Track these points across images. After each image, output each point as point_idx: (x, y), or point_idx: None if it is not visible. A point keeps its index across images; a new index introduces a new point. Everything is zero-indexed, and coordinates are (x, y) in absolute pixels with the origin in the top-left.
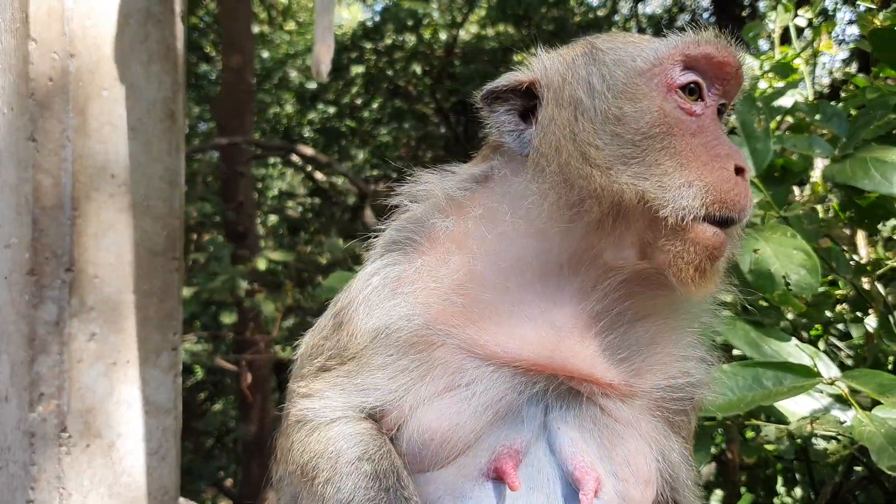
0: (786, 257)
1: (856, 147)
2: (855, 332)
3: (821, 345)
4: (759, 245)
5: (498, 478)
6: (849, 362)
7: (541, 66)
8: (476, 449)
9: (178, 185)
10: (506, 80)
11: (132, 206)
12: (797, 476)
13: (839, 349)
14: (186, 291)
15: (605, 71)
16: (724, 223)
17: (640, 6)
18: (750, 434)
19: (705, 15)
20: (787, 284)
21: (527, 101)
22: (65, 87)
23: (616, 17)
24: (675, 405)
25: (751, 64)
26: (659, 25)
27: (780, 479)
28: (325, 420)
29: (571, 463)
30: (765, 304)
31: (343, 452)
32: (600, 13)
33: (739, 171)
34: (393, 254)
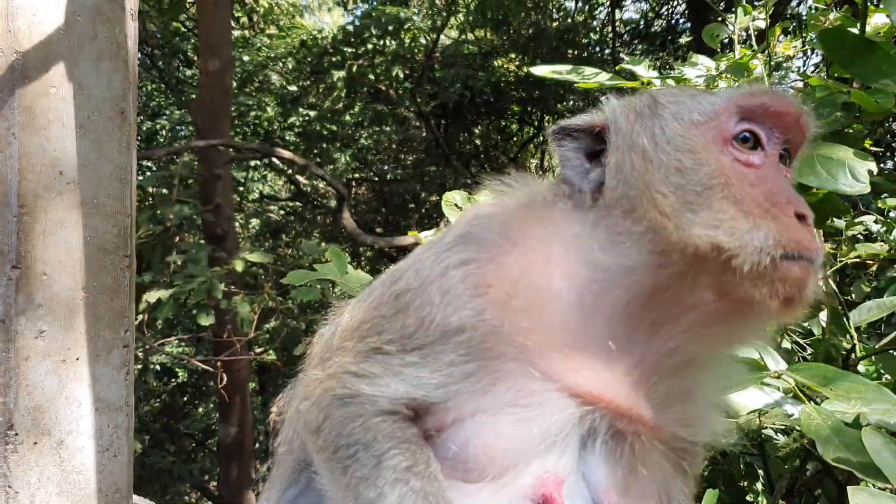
0: None
1: None
2: (816, 330)
3: (786, 343)
4: None
5: (543, 502)
6: (810, 359)
7: (611, 111)
8: (522, 470)
9: (128, 182)
10: (581, 120)
11: (82, 203)
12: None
13: (802, 347)
14: (164, 293)
15: (664, 124)
16: (797, 259)
17: (616, 12)
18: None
19: (681, 20)
20: None
21: (595, 142)
22: (11, 84)
23: (594, 23)
24: (688, 451)
25: (708, 63)
26: (636, 32)
27: (742, 473)
28: (375, 410)
29: (604, 495)
30: None
31: (390, 455)
32: (578, 18)
33: (801, 217)
34: (471, 248)
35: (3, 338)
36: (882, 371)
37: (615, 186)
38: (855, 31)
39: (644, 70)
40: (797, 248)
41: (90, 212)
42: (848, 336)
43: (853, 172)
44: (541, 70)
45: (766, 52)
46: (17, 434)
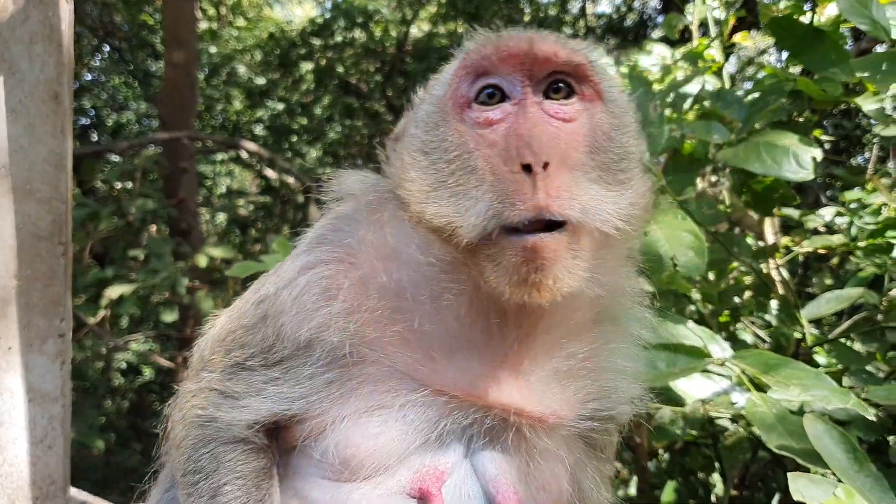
0: (674, 240)
1: (750, 132)
2: (774, 321)
3: (747, 336)
4: (649, 228)
5: (422, 497)
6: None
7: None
8: (400, 468)
9: (64, 168)
10: (398, 126)
11: (14, 189)
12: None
13: (763, 339)
14: (126, 288)
15: (422, 108)
16: (538, 228)
17: (589, 6)
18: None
19: (654, 15)
20: (675, 266)
21: None
22: None
23: (566, 17)
24: (599, 427)
25: (663, 52)
26: (609, 25)
27: (698, 464)
28: (227, 437)
29: (494, 486)
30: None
31: (225, 491)
32: (551, 12)
33: (527, 168)
34: (321, 251)
35: None
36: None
37: (392, 182)
38: (805, 20)
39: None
40: (516, 214)
41: (23, 198)
42: (798, 325)
43: (797, 159)
44: None
45: (721, 40)
46: None
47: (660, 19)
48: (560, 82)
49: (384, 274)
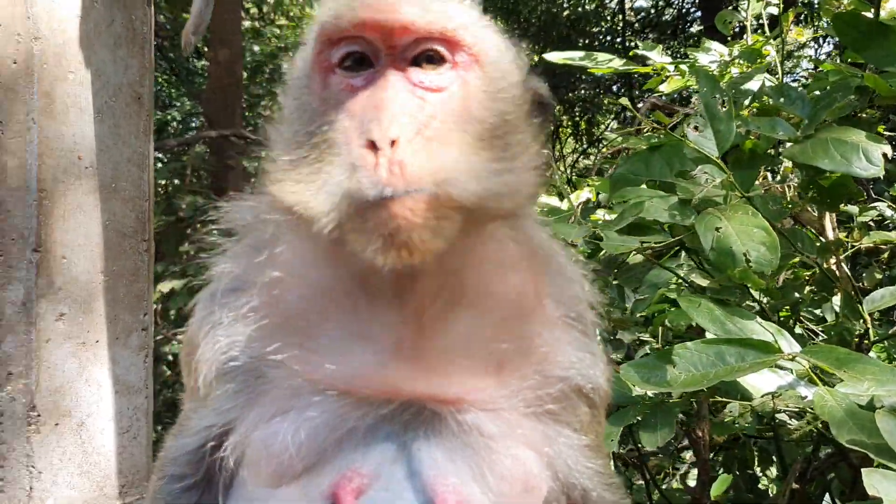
0: (746, 235)
1: (817, 128)
2: (829, 316)
3: (797, 329)
4: (721, 224)
5: (333, 502)
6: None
7: None
8: (319, 471)
9: (146, 167)
10: None
11: (100, 188)
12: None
13: (815, 334)
14: (177, 283)
15: (292, 71)
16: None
17: (627, 1)
18: (727, 415)
19: (692, 10)
20: (748, 261)
21: None
22: (29, 69)
23: (604, 12)
24: (551, 397)
25: (721, 49)
26: (647, 20)
27: (755, 458)
28: (165, 474)
29: (432, 486)
30: (729, 283)
31: None
32: (588, 7)
33: (373, 145)
34: (216, 309)
35: (25, 320)
36: (894, 356)
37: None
38: (869, 15)
39: (657, 55)
40: (362, 191)
41: (108, 196)
42: (861, 321)
43: (867, 155)
44: (554, 56)
45: (779, 38)
46: (39, 415)
47: (698, 14)
48: (430, 47)
49: (274, 284)
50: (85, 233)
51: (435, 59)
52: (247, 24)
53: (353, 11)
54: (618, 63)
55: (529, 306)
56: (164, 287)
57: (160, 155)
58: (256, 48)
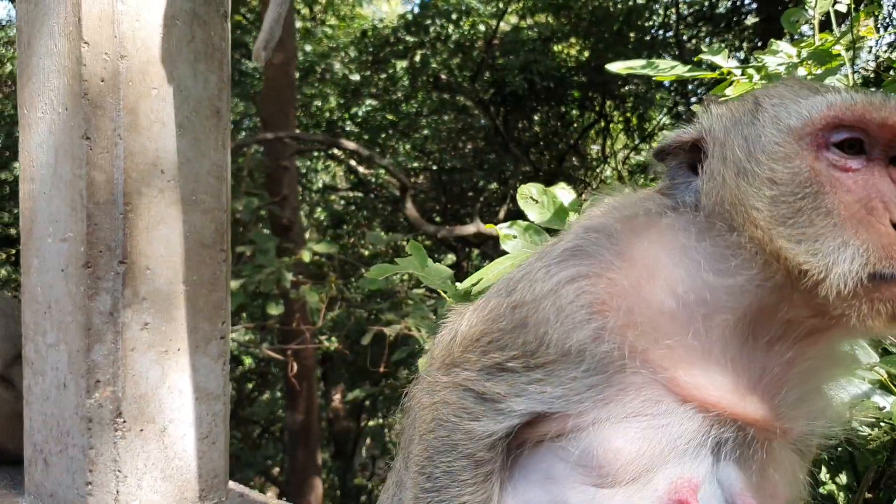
0: None
1: None
2: None
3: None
4: None
5: None
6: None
7: (708, 120)
8: (654, 476)
9: (224, 179)
10: (672, 137)
11: (181, 200)
12: (841, 463)
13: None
14: (234, 283)
15: (761, 130)
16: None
17: None
18: None
19: (747, 1)
20: None
21: (696, 154)
22: (116, 86)
23: (657, 6)
24: (811, 441)
25: (789, 51)
26: (700, 13)
27: (823, 466)
28: (468, 452)
29: (740, 499)
30: None
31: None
32: (640, 1)
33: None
34: (581, 263)
35: (112, 329)
36: None
37: (708, 196)
38: None
39: (723, 60)
40: (890, 265)
41: (189, 208)
42: None
43: None
44: (616, 66)
45: (851, 37)
46: (124, 421)
47: (753, 6)
48: None
49: (651, 290)
50: (167, 244)
51: None
52: (298, 24)
53: (883, 114)
54: (682, 70)
55: (836, 371)
56: None
57: None
58: (308, 48)
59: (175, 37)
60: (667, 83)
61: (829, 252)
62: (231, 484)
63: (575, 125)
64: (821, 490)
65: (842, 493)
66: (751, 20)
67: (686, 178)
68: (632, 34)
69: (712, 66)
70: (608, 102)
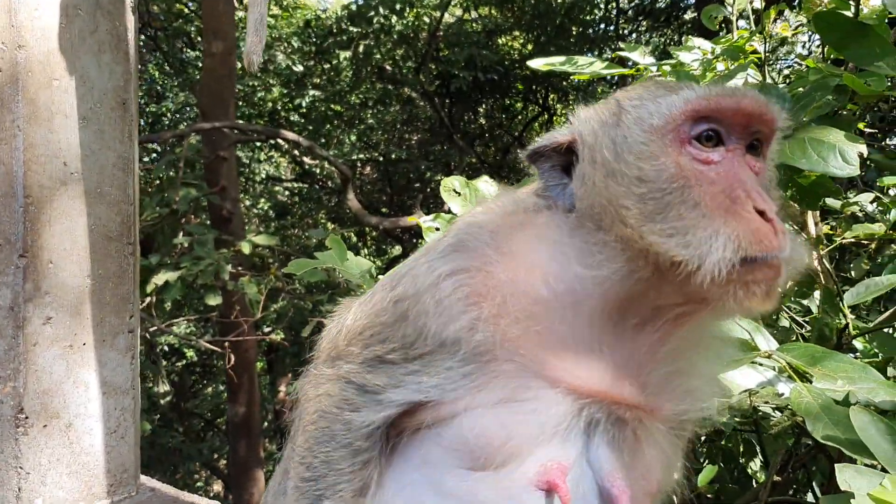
0: None
1: (796, 127)
2: (814, 307)
3: (784, 321)
4: None
5: (548, 489)
6: (808, 336)
7: (578, 123)
8: (525, 460)
9: (131, 171)
10: (546, 140)
11: (86, 193)
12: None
13: (800, 325)
14: (172, 275)
15: (626, 132)
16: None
17: None
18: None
19: None
20: None
21: (569, 156)
22: (14, 77)
23: (597, 0)
24: (685, 425)
25: (704, 46)
26: (641, 7)
27: (740, 450)
28: (345, 441)
29: (610, 481)
30: None
31: None
32: None
33: (761, 212)
34: (461, 257)
35: (13, 324)
36: (875, 350)
37: (581, 199)
38: (849, 13)
39: (640, 57)
40: (759, 248)
41: (94, 201)
42: (841, 315)
43: (843, 155)
44: (536, 63)
45: (762, 33)
46: (27, 417)
47: (692, 1)
48: (758, 140)
49: (526, 282)
50: (71, 237)
51: (756, 147)
52: (240, 14)
53: (740, 104)
54: (599, 66)
55: (708, 350)
56: (159, 279)
57: (156, 146)
58: None
59: (77, 27)
60: (608, 77)
61: (701, 243)
62: (143, 478)
63: (519, 118)
64: (753, 480)
65: (762, 475)
66: (689, 15)
67: (560, 181)
68: (574, 28)
69: (630, 63)
70: (551, 95)
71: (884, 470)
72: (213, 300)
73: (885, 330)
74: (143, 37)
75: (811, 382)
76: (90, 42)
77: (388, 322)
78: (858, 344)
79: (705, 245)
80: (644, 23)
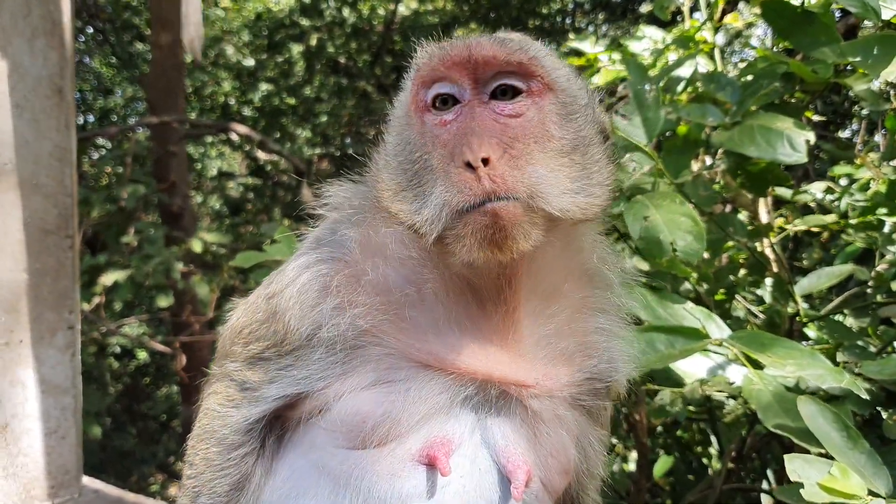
0: (673, 224)
1: (744, 115)
2: (767, 297)
3: (738, 310)
4: (649, 212)
5: (430, 464)
6: (762, 325)
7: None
8: (409, 436)
9: (68, 162)
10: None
11: (20, 184)
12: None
13: (756, 315)
14: (121, 275)
15: (392, 115)
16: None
17: None
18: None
19: None
20: (675, 250)
21: None
22: None
23: None
24: (593, 393)
25: (655, 36)
26: (595, 1)
27: (695, 440)
28: (221, 437)
29: (504, 456)
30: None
31: (200, 502)
32: None
33: (468, 164)
34: (318, 252)
35: None
36: (825, 336)
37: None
38: (795, 2)
39: (590, 47)
40: (461, 199)
41: (29, 192)
42: (792, 302)
43: (791, 142)
44: None
45: (712, 22)
46: None
47: None
48: (506, 82)
49: (372, 270)
50: (4, 231)
51: (512, 91)
52: None
53: (443, 51)
54: None
55: (585, 314)
56: (108, 279)
57: (104, 142)
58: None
59: (8, 10)
60: None
61: (426, 205)
62: (85, 480)
63: None
64: (709, 468)
65: (715, 462)
66: (645, 8)
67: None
68: (530, 21)
69: (581, 53)
70: None
71: (830, 457)
72: (165, 301)
73: (835, 317)
74: (90, 29)
75: (763, 370)
76: (22, 26)
77: (262, 319)
78: (810, 332)
79: (426, 207)
80: (600, 15)
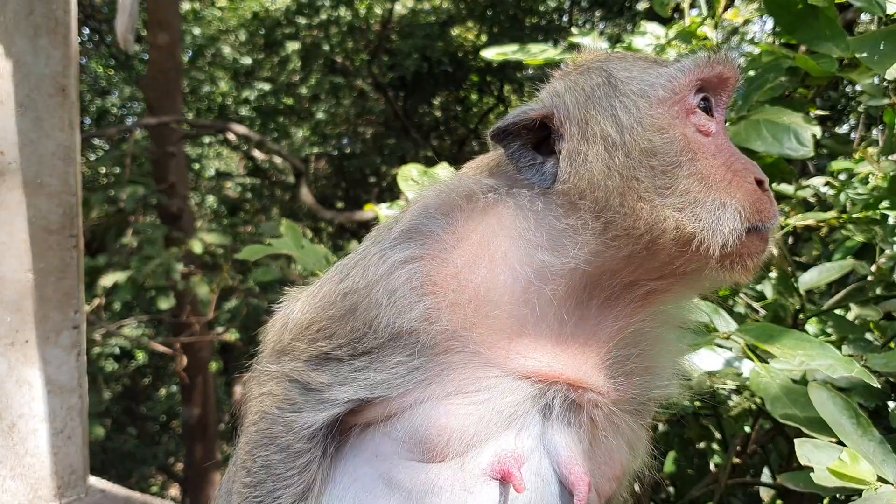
0: None
1: (749, 109)
2: (769, 293)
3: (740, 306)
4: None
5: (503, 479)
6: (762, 321)
7: (555, 96)
8: (480, 450)
9: (72, 161)
10: (515, 116)
11: (24, 183)
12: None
13: (755, 310)
14: (121, 276)
15: (628, 103)
16: (760, 230)
17: None
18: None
19: None
20: None
21: (540, 132)
22: None
23: None
24: (647, 401)
25: (657, 32)
26: None
27: (699, 435)
28: (285, 444)
29: (567, 468)
30: None
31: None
32: None
33: (759, 182)
34: (415, 244)
35: None
36: (827, 330)
37: (569, 177)
38: None
39: (592, 42)
40: (761, 219)
41: (33, 192)
42: (796, 297)
43: (798, 137)
44: (490, 53)
45: (713, 18)
46: None
47: None
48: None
49: (486, 268)
50: (9, 230)
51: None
52: (186, 6)
53: (730, 67)
54: (553, 53)
55: (672, 333)
56: (107, 280)
57: (100, 143)
58: (197, 31)
59: (11, 10)
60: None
61: (710, 214)
62: (92, 479)
63: (475, 109)
64: (711, 463)
65: (718, 458)
66: (643, 5)
67: (534, 159)
68: (528, 19)
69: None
70: (506, 87)
71: (840, 444)
72: (165, 302)
73: (838, 311)
74: (86, 30)
75: (769, 363)
76: (25, 25)
77: (336, 316)
78: (810, 327)
79: (714, 216)
80: (598, 13)
